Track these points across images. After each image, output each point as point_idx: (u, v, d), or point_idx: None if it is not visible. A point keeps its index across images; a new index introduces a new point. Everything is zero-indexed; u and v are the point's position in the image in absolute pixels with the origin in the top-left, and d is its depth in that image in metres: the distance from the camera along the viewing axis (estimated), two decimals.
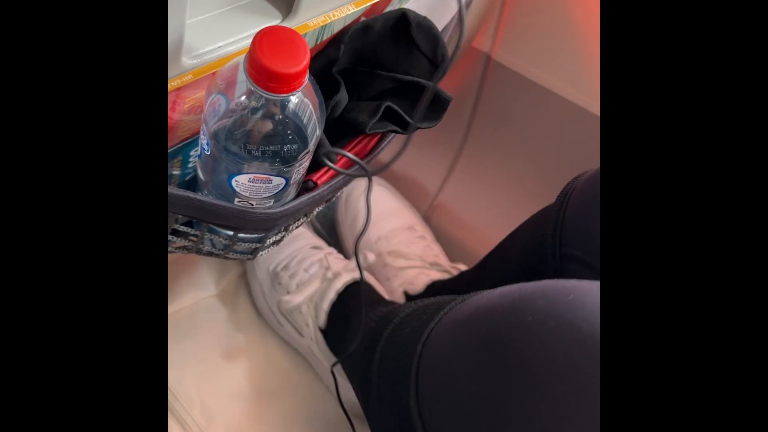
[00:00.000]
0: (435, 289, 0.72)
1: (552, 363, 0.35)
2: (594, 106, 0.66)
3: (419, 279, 0.72)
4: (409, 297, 0.72)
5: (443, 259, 0.77)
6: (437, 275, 0.73)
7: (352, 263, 0.67)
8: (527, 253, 0.55)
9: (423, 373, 0.44)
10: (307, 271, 0.67)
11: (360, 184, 0.78)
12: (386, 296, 0.67)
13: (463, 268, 0.75)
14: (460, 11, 0.32)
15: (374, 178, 0.49)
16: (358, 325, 0.53)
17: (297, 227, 0.52)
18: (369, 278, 0.68)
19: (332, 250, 0.71)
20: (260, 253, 0.50)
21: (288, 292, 0.67)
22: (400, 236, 0.75)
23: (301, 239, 0.72)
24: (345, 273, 0.66)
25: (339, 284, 0.65)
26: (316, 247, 0.71)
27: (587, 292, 0.36)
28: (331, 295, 0.64)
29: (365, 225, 0.47)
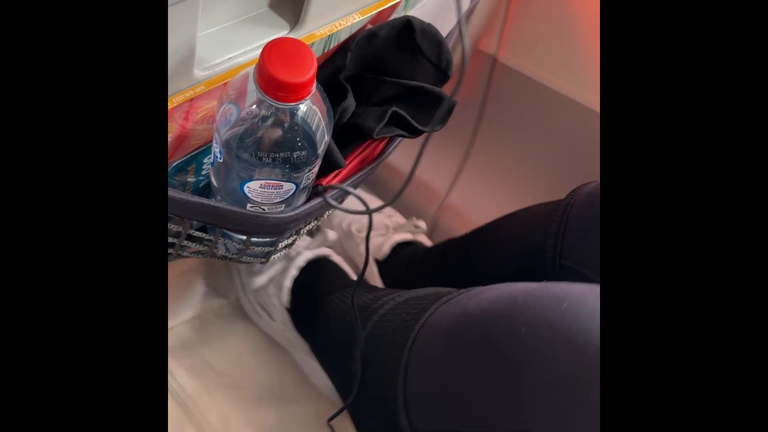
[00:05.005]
0: (405, 255, 0.73)
1: (550, 375, 0.35)
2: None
3: (385, 244, 0.75)
4: (378, 263, 0.75)
5: (404, 221, 0.79)
6: (400, 237, 0.75)
7: (316, 241, 0.68)
8: (526, 255, 0.56)
9: (411, 381, 0.44)
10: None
11: None
12: (353, 274, 0.68)
13: (422, 225, 0.77)
14: (459, 24, 0.33)
15: None
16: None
17: (309, 230, 0.53)
18: (335, 257, 0.68)
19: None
20: (273, 256, 0.51)
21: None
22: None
23: None
24: (306, 251, 0.66)
25: (301, 261, 0.65)
26: None
27: (581, 300, 0.36)
28: (293, 272, 0.64)
29: (364, 266, 0.48)
